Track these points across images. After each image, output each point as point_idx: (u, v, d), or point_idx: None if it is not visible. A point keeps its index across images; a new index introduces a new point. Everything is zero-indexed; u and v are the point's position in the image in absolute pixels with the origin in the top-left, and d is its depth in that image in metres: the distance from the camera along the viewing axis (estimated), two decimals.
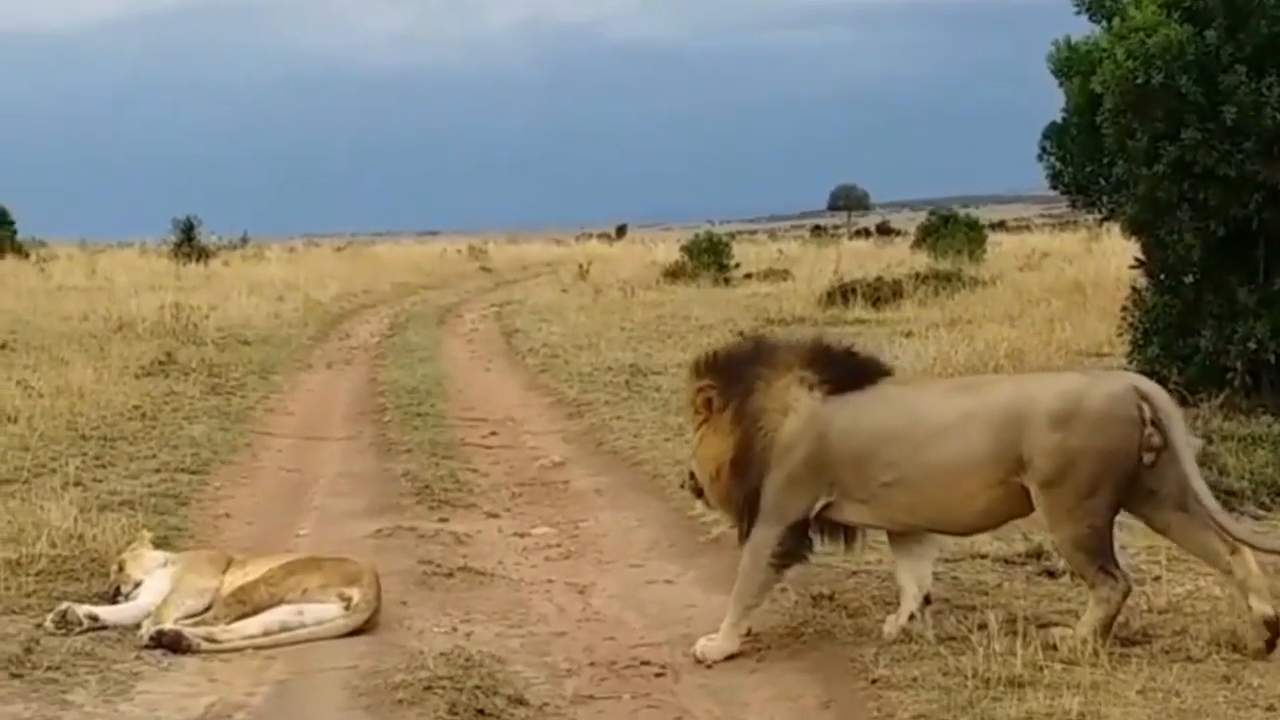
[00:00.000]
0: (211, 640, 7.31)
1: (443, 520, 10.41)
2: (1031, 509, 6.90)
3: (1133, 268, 14.14)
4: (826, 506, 7.08)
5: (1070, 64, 13.47)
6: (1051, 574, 8.11)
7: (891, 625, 7.21)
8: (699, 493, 7.49)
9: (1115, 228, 17.31)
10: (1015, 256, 39.18)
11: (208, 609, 7.62)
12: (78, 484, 10.87)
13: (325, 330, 26.94)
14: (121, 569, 7.96)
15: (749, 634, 7.21)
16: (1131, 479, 6.69)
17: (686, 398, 7.50)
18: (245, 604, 7.51)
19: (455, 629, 7.69)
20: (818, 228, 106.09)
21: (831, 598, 7.88)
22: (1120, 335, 14.34)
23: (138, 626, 7.52)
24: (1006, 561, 8.39)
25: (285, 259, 52.95)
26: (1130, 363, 13.70)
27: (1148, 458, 6.65)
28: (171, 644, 7.27)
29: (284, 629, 7.43)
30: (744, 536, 7.24)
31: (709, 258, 37.17)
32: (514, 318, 28.16)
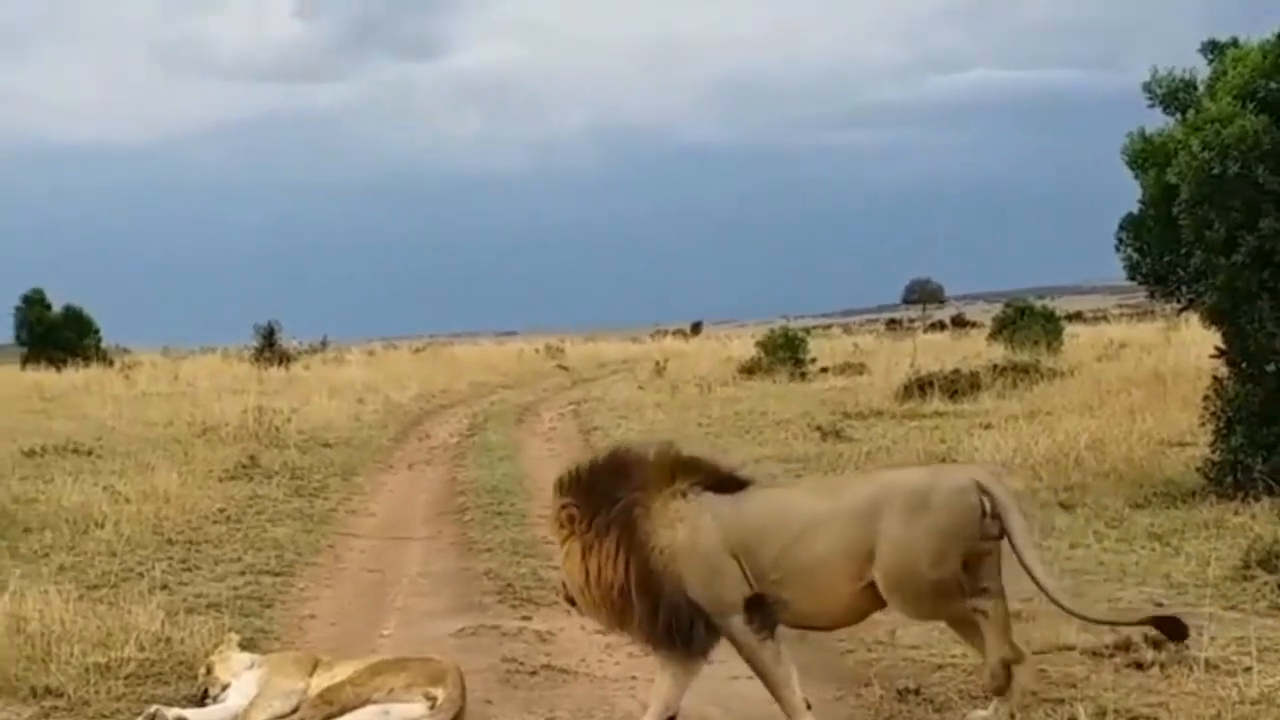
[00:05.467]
0: None
1: (525, 618, 10.43)
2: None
3: (1213, 357, 14.07)
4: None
5: (1145, 155, 13.50)
6: (1140, 666, 8.04)
7: None
8: (572, 601, 7.61)
9: (1194, 317, 17.22)
10: (1093, 347, 38.97)
11: (295, 711, 7.65)
12: (164, 587, 11.01)
13: (405, 431, 27.13)
14: (209, 671, 8.04)
15: (810, 708, 7.21)
16: (972, 563, 6.96)
17: (552, 514, 7.64)
18: (332, 705, 7.55)
19: None
20: (893, 321, 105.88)
21: (917, 691, 7.85)
22: (1202, 425, 14.23)
23: None
24: (1094, 654, 8.32)
25: (365, 361, 53.47)
26: (1213, 452, 13.59)
27: (986, 546, 6.96)
28: None
29: None
30: (656, 641, 7.35)
31: (785, 353, 37.23)
32: (592, 415, 28.24)
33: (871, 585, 7.00)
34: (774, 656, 7.17)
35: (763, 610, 7.15)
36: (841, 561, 7.00)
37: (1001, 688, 7.05)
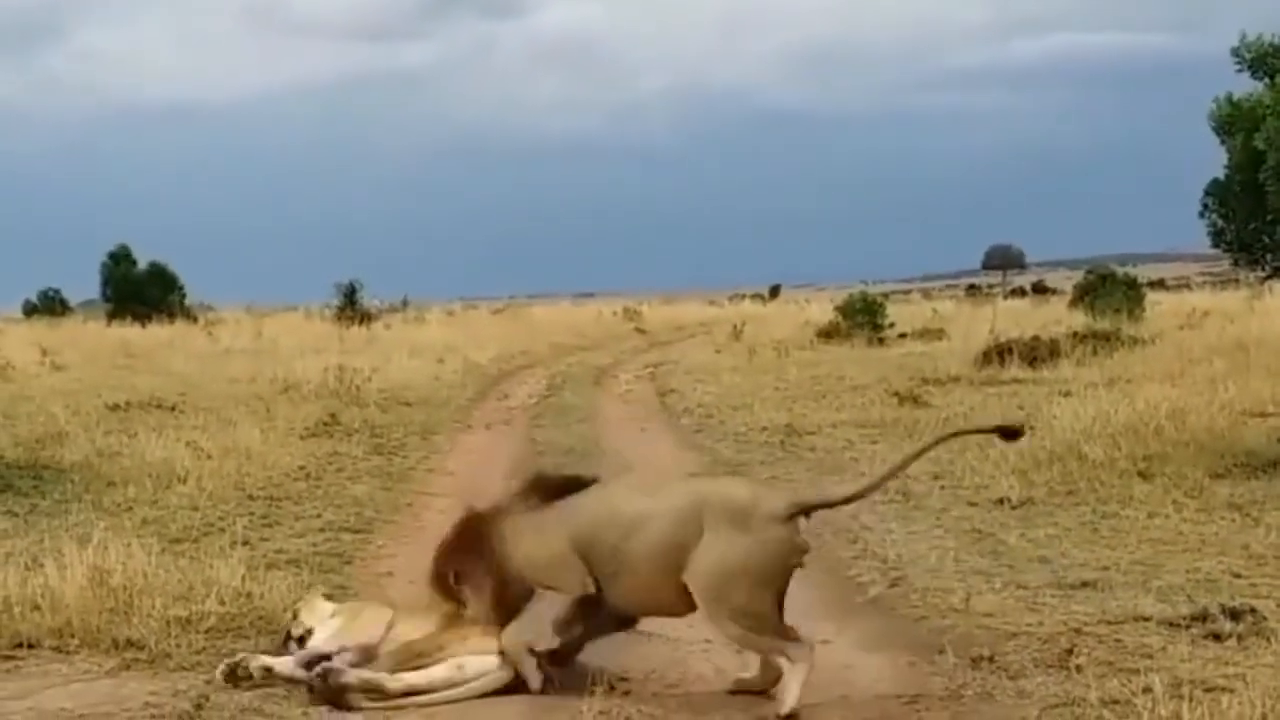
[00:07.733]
0: (376, 691, 7.43)
1: None
2: None
3: None
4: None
5: (1232, 121, 13.34)
6: (1217, 637, 7.98)
7: None
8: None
9: (1279, 286, 17.04)
10: (1175, 315, 38.58)
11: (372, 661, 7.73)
12: (245, 543, 11.13)
13: (484, 391, 27.22)
14: (295, 616, 8.14)
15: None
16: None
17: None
18: (409, 657, 7.63)
19: (613, 687, 7.71)
20: (972, 287, 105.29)
21: (991, 659, 7.82)
22: None
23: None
24: (1171, 624, 8.28)
25: (444, 321, 53.75)
26: None
27: (798, 559, 7.24)
28: (335, 697, 7.39)
29: (446, 682, 7.53)
30: None
31: (863, 317, 37.14)
32: (669, 378, 28.26)
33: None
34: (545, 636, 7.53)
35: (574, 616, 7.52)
36: (659, 557, 7.25)
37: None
